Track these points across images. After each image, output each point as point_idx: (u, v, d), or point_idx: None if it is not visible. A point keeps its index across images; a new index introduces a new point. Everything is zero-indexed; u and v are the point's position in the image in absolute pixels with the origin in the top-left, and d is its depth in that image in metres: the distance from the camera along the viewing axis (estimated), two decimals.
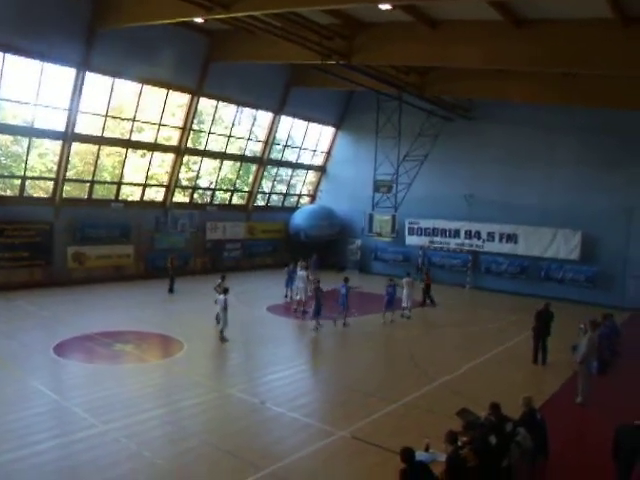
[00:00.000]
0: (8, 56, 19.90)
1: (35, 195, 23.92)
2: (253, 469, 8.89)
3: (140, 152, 27.00)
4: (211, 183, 30.72)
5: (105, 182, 26.32)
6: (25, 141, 22.51)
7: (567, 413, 12.20)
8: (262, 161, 31.77)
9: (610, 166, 25.79)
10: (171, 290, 23.89)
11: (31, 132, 22.06)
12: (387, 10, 16.84)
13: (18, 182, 22.73)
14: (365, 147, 32.12)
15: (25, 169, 22.63)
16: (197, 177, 29.75)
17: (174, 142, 27.12)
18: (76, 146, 23.89)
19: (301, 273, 21.52)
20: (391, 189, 29.97)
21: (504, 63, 19.31)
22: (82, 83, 22.06)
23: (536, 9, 16.23)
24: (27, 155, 22.53)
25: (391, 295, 20.34)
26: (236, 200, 32.10)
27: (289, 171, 34.54)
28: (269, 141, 31.46)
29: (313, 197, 36.44)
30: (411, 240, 31.28)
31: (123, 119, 25.06)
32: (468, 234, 29.61)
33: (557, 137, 27.25)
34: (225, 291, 16.81)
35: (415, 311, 22.20)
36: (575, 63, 17.33)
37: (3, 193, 23.03)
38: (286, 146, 33.15)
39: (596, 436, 11.02)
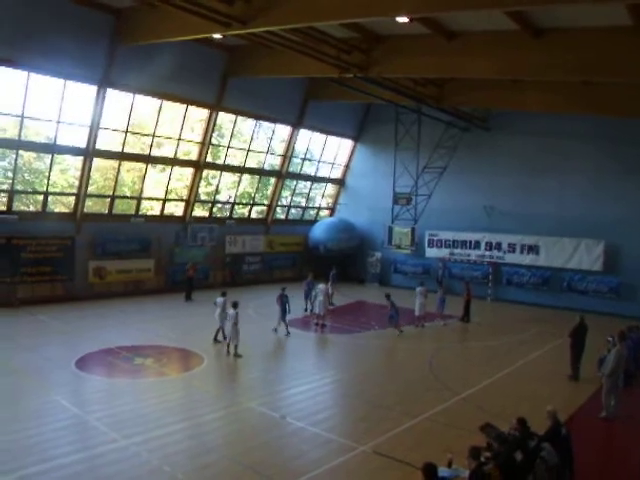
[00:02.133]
0: (32, 75, 20.27)
1: (57, 210, 24.22)
2: None
3: (160, 167, 27.26)
4: (230, 197, 30.88)
5: (125, 197, 26.60)
6: (48, 157, 22.86)
7: (593, 427, 11.96)
8: (281, 174, 31.89)
9: (629, 174, 25.48)
10: (189, 297, 24.07)
11: (53, 149, 22.40)
12: (404, 23, 16.87)
13: (41, 198, 23.07)
14: (384, 159, 32.12)
15: (47, 185, 22.97)
16: (216, 191, 29.93)
17: (193, 157, 27.35)
18: (97, 162, 24.20)
19: (321, 286, 21.47)
20: (410, 201, 29.89)
21: (521, 73, 19.24)
22: (103, 100, 22.38)
23: (553, 18, 16.11)
24: (49, 171, 22.88)
25: (396, 310, 20.27)
26: (255, 214, 32.23)
27: (308, 184, 34.62)
28: (288, 154, 31.59)
29: (332, 210, 36.45)
30: (431, 252, 31.09)
31: (143, 135, 25.34)
32: (489, 245, 29.35)
33: (575, 146, 26.98)
34: (235, 305, 16.62)
35: (436, 324, 22.04)
36: (594, 71, 17.17)
37: (26, 209, 23.39)
38: (305, 159, 33.26)
39: (623, 451, 10.79)
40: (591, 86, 21.36)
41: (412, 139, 28.92)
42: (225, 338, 17.17)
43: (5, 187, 22.39)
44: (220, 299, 17.94)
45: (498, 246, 29.06)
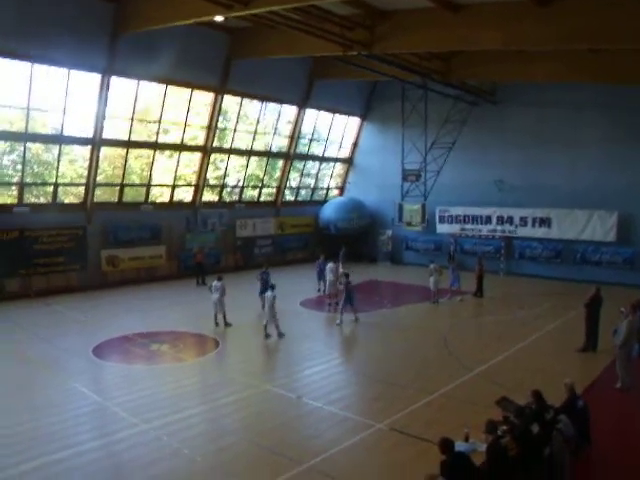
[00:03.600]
0: (36, 66, 20.26)
1: (67, 201, 24.33)
2: (293, 464, 8.91)
3: (167, 153, 27.26)
4: (239, 180, 30.85)
5: (134, 185, 26.63)
6: (55, 149, 22.90)
7: (608, 399, 11.94)
8: (289, 156, 31.79)
9: None
10: (203, 282, 24.29)
11: (61, 139, 22.44)
12: None
13: (51, 189, 23.17)
14: (392, 136, 31.89)
15: (57, 176, 23.06)
16: (225, 175, 29.91)
17: (200, 142, 27.30)
18: (105, 151, 24.22)
19: (330, 265, 21.53)
20: (420, 177, 29.70)
21: (528, 43, 18.90)
22: (107, 88, 22.33)
23: None
24: (58, 162, 22.94)
25: (349, 292, 18.41)
26: (264, 196, 32.22)
27: (316, 164, 34.51)
28: (295, 135, 31.46)
29: (342, 189, 36.34)
30: (442, 228, 30.97)
31: (149, 121, 25.30)
32: (500, 220, 29.17)
33: (584, 116, 26.59)
34: (273, 287, 16.86)
35: (450, 301, 22.05)
36: (600, 39, 16.81)
37: (37, 200, 23.49)
38: (312, 139, 33.11)
39: (638, 421, 10.80)
40: (599, 54, 21.01)
41: (419, 115, 28.66)
42: (225, 324, 17.69)
43: (15, 180, 22.52)
44: (217, 283, 17.76)
45: (510, 220, 28.85)
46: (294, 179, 33.73)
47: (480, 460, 7.77)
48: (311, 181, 35.02)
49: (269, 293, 16.62)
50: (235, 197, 30.61)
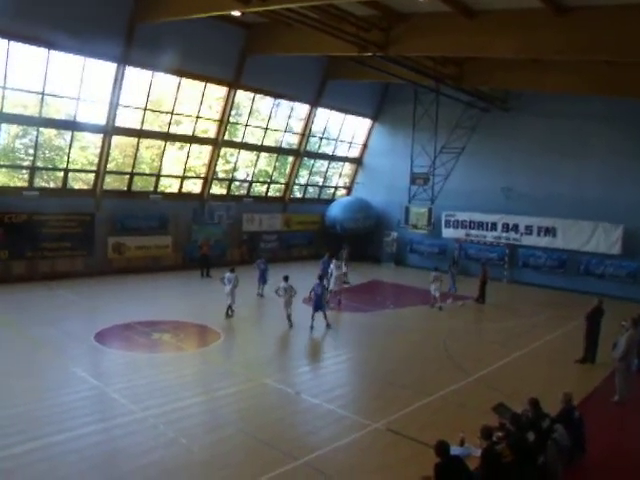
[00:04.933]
0: (52, 52, 20.38)
1: (77, 187, 24.48)
2: (288, 459, 9.00)
3: (178, 144, 27.37)
4: (248, 175, 30.94)
5: (144, 174, 26.75)
6: (68, 135, 23.03)
7: (605, 411, 11.98)
8: (299, 153, 31.87)
9: None
10: (208, 274, 24.45)
11: (73, 126, 22.57)
12: (424, 1, 16.69)
13: (61, 174, 23.32)
14: (402, 139, 31.92)
15: (68, 162, 23.21)
16: (234, 169, 30.00)
17: (211, 134, 27.39)
18: (116, 139, 24.33)
19: (335, 262, 21.67)
20: (428, 181, 29.73)
21: (543, 53, 18.94)
22: (122, 77, 22.46)
23: None
24: (70, 148, 23.08)
25: (318, 297, 17.49)
26: (273, 192, 32.30)
27: (325, 163, 34.57)
28: (306, 133, 31.53)
29: (349, 189, 36.39)
30: (447, 233, 30.98)
31: (162, 112, 25.42)
32: (505, 227, 29.17)
33: (595, 128, 26.56)
34: (286, 278, 17.70)
35: (451, 305, 22.09)
36: (618, 51, 16.80)
37: (47, 185, 23.63)
38: (322, 138, 33.18)
39: (635, 435, 10.83)
40: (613, 67, 20.96)
41: (430, 119, 28.68)
42: (229, 313, 18.09)
43: (26, 164, 22.68)
44: (230, 275, 18.18)
45: (515, 228, 28.86)
46: (303, 176, 33.80)
47: (474, 465, 7.83)
48: (319, 179, 35.09)
49: (283, 283, 17.42)
50: (243, 191, 30.70)
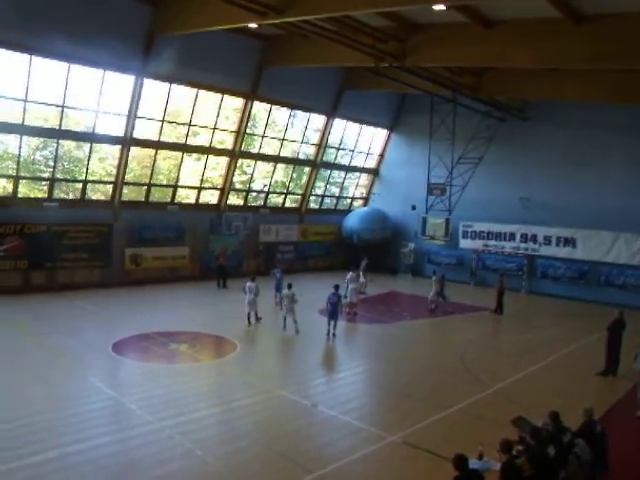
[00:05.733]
0: (72, 66, 20.69)
1: (95, 198, 24.72)
2: (304, 471, 8.91)
3: (195, 155, 27.55)
4: (265, 186, 31.03)
5: (161, 185, 26.96)
6: (87, 146, 23.30)
7: (628, 426, 11.74)
8: (315, 164, 31.91)
9: None
10: (224, 285, 24.57)
11: (92, 138, 22.83)
12: (441, 11, 16.69)
13: (80, 186, 23.56)
14: (419, 149, 31.80)
15: (86, 173, 23.46)
16: (251, 180, 30.11)
17: (228, 145, 27.53)
18: (134, 150, 24.56)
19: (350, 275, 21.58)
20: (445, 192, 29.59)
21: (562, 62, 18.84)
22: (140, 89, 22.70)
23: (596, 4, 15.70)
24: (88, 160, 23.33)
25: (334, 305, 17.52)
26: (289, 203, 32.35)
27: (342, 174, 34.57)
28: (322, 144, 31.58)
29: (366, 200, 36.34)
30: (465, 243, 30.79)
31: (179, 124, 25.62)
32: (524, 237, 28.91)
33: (614, 137, 26.27)
34: (290, 286, 18.09)
35: (469, 315, 21.94)
36: (637, 60, 16.69)
37: (66, 196, 23.90)
38: (339, 149, 33.20)
39: None
40: (632, 75, 20.75)
41: (447, 129, 28.58)
42: (257, 320, 18.58)
43: (46, 175, 22.96)
44: (251, 284, 18.46)
45: (533, 238, 28.58)
46: (319, 187, 33.82)
47: (493, 479, 7.69)
48: (336, 190, 35.09)
49: (286, 291, 17.86)
50: (260, 202, 30.78)
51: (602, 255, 26.50)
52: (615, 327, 15.05)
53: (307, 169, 32.29)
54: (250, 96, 26.50)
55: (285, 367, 15.36)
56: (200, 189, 27.49)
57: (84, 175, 23.45)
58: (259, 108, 28.19)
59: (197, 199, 27.53)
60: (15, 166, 21.57)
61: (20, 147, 21.33)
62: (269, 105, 27.99)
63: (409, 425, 10.89)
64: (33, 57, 19.75)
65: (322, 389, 13.35)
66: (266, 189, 30.77)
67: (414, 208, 31.86)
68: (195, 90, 24.58)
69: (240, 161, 28.64)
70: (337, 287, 18.27)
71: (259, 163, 29.75)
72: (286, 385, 13.17)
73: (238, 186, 29.85)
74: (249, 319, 18.45)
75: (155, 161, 25.36)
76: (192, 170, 27.73)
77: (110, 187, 24.28)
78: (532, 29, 17.55)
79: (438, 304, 22.93)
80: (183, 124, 25.45)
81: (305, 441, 10.20)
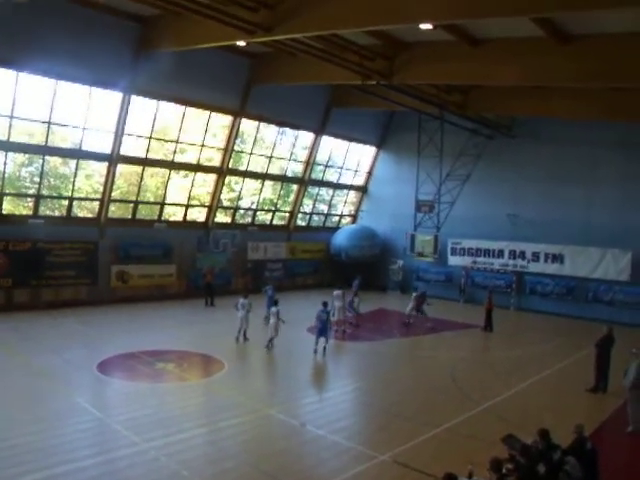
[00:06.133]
0: (60, 83, 20.62)
1: (81, 215, 24.52)
2: None
3: (183, 173, 27.47)
4: (252, 203, 30.98)
5: (149, 202, 26.83)
6: (73, 163, 23.17)
7: (619, 442, 11.69)
8: (303, 181, 31.92)
9: None
10: (212, 303, 24.39)
11: (79, 154, 22.71)
12: (428, 30, 16.81)
13: (66, 203, 23.39)
14: (407, 167, 31.94)
15: (73, 190, 23.29)
16: (239, 197, 30.04)
17: (216, 163, 27.49)
18: (121, 167, 24.45)
19: (337, 292, 21.40)
20: (433, 209, 29.68)
21: (548, 80, 19.04)
22: (128, 106, 22.64)
23: (581, 25, 15.91)
24: (75, 176, 23.19)
25: (323, 322, 17.54)
26: (277, 220, 32.29)
27: (330, 191, 34.61)
28: (310, 161, 31.62)
29: (354, 217, 36.37)
30: (454, 260, 30.83)
31: (167, 141, 25.58)
32: (512, 254, 29.00)
33: (602, 154, 26.52)
34: (276, 303, 18.36)
35: (459, 332, 21.86)
36: (622, 78, 16.95)
37: (51, 213, 23.70)
38: (327, 166, 33.27)
39: None
40: (619, 93, 21.03)
41: (435, 147, 28.75)
42: (244, 339, 18.45)
43: (32, 192, 22.77)
44: (244, 301, 18.43)
45: (522, 255, 28.67)
46: (307, 205, 33.81)
47: None
48: (324, 207, 35.09)
49: (273, 309, 17.96)
50: (248, 219, 30.70)
51: (590, 271, 26.62)
52: (604, 343, 15.05)
53: (295, 186, 32.29)
54: (238, 113, 26.53)
55: (273, 386, 15.19)
56: (187, 206, 27.37)
57: (70, 192, 23.29)
58: (247, 125, 28.21)
59: (184, 216, 27.40)
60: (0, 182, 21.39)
61: (5, 163, 21.16)
62: (257, 122, 28.03)
63: (399, 444, 10.76)
64: (19, 74, 19.65)
65: (310, 408, 13.20)
66: (254, 206, 30.68)
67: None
68: (183, 107, 24.57)
69: (228, 178, 28.60)
70: (325, 304, 18.14)
71: (247, 180, 29.72)
72: (274, 404, 12.99)
73: (226, 203, 29.77)
74: (238, 336, 18.32)
75: (142, 178, 25.24)
76: (179, 187, 27.64)
77: (97, 204, 24.11)
78: (518, 47, 17.73)
79: (415, 319, 22.99)
80: (171, 141, 25.41)
81: (294, 461, 10.03)
